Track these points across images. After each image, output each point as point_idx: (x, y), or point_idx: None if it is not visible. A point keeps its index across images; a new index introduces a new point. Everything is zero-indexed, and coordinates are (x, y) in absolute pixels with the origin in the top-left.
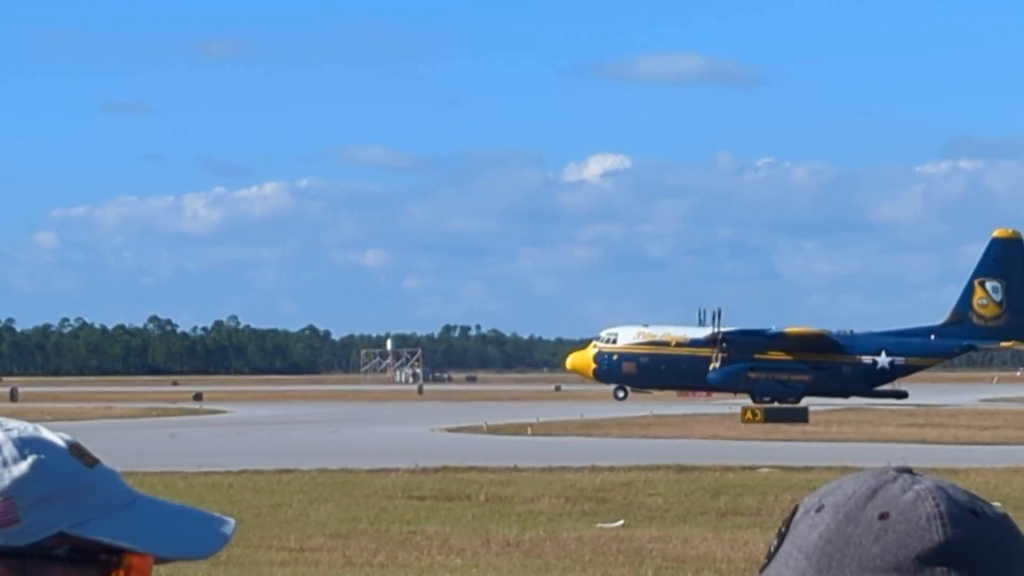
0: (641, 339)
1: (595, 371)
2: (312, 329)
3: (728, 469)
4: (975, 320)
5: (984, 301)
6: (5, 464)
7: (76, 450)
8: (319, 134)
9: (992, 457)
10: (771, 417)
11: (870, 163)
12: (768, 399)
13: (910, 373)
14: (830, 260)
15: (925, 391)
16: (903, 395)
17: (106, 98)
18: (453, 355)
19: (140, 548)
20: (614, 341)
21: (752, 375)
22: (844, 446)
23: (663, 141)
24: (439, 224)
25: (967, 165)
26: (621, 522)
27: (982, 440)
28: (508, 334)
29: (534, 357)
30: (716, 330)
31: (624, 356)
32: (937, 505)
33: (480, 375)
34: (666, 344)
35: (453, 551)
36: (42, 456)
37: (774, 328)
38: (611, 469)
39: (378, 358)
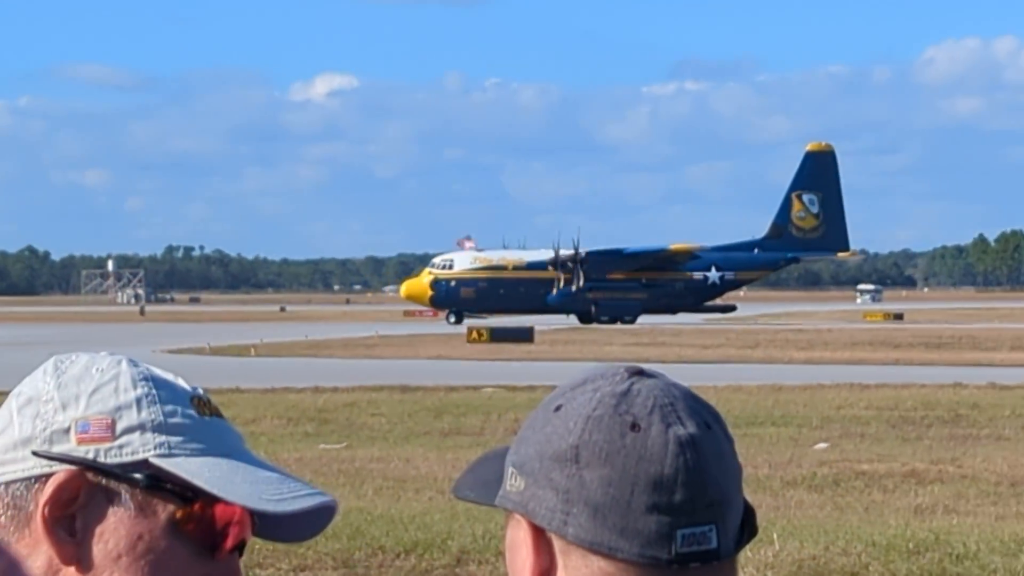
0: (478, 264)
1: (432, 298)
2: (31, 250)
3: (452, 389)
4: (794, 233)
5: (802, 214)
6: (117, 390)
7: (196, 400)
8: (39, 52)
9: (714, 376)
10: (497, 337)
11: (597, 84)
12: (606, 319)
13: (739, 287)
14: (558, 180)
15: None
16: (732, 309)
17: None
18: (176, 276)
19: (212, 490)
20: (450, 267)
21: (590, 295)
22: (568, 365)
23: (391, 61)
24: (162, 143)
25: (692, 87)
26: (343, 443)
27: (704, 359)
28: (233, 255)
29: (259, 278)
30: (575, 252)
31: (462, 282)
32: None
33: (204, 296)
34: (503, 268)
35: None
36: (157, 391)
37: (629, 248)
38: (334, 390)
39: (99, 279)
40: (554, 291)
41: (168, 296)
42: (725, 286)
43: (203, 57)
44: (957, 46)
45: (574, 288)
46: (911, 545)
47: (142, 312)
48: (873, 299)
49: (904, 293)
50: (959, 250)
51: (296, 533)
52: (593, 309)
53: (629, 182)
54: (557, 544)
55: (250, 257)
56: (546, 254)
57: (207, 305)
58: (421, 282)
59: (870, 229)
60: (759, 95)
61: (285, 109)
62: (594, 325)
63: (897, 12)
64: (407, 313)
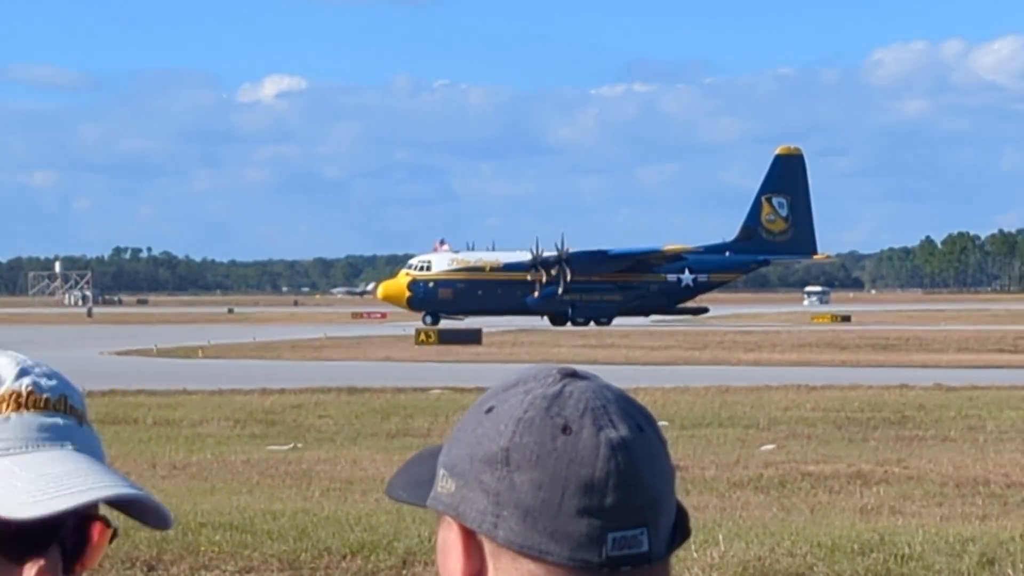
0: (456, 265)
1: (409, 299)
2: None
3: (400, 390)
4: (764, 235)
5: (772, 216)
6: None
7: (13, 394)
8: None
9: (661, 377)
10: (445, 339)
11: (546, 86)
12: (582, 320)
13: (711, 289)
14: (507, 182)
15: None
16: (704, 311)
17: None
18: (124, 277)
19: None
20: (428, 268)
21: (567, 297)
22: (516, 367)
23: (340, 62)
24: (110, 145)
25: (642, 88)
26: (291, 445)
27: (652, 360)
28: (180, 256)
29: (207, 280)
30: (559, 253)
31: (440, 283)
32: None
33: (151, 298)
34: (481, 269)
35: None
36: None
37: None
38: (282, 392)
39: (47, 281)
40: (535, 293)
41: (116, 298)
42: (698, 288)
43: (152, 58)
44: (905, 49)
45: (560, 290)
46: (856, 546)
47: (89, 314)
48: (821, 301)
49: (852, 295)
50: (906, 252)
51: (149, 520)
52: (570, 311)
53: (578, 184)
54: (488, 547)
55: (198, 259)
56: (523, 256)
57: (155, 307)
58: (399, 283)
59: (818, 231)
60: (708, 97)
61: (234, 110)
62: (548, 325)
63: (845, 15)
64: (355, 315)
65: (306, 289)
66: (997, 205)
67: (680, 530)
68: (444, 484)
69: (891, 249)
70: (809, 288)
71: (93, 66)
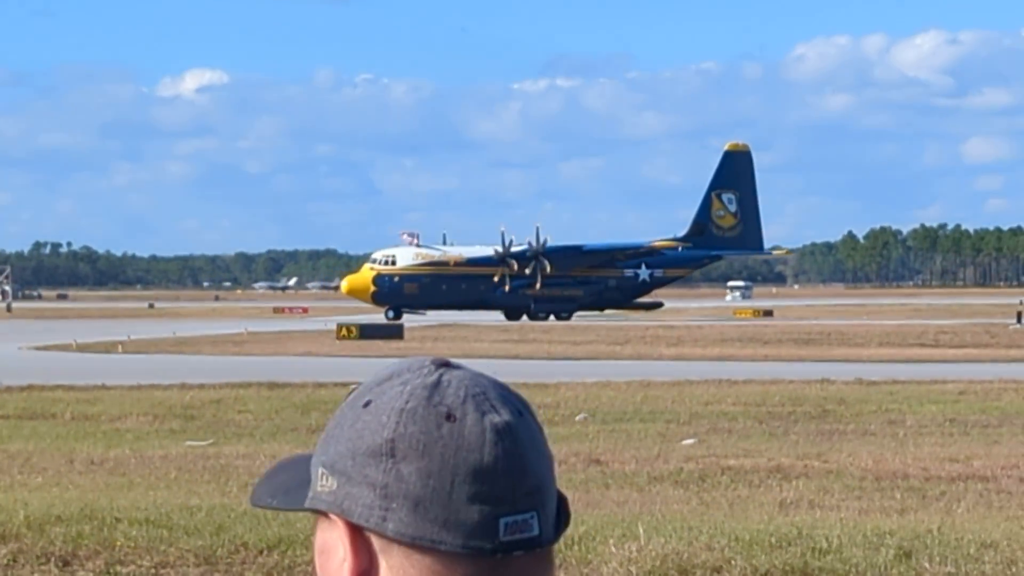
0: (420, 259)
1: (374, 294)
2: None
3: (320, 386)
4: (715, 231)
5: (721, 212)
6: None
7: None
8: None
9: (583, 372)
10: (366, 334)
11: (469, 80)
12: (543, 316)
13: (666, 284)
14: (429, 177)
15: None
16: (659, 305)
17: None
18: (44, 272)
19: None
20: (392, 263)
21: (528, 292)
22: None
23: (262, 56)
24: (30, 139)
25: (564, 83)
26: (210, 441)
27: (574, 355)
28: (101, 251)
29: (128, 274)
30: (537, 247)
31: (406, 277)
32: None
33: (72, 293)
34: (445, 264)
35: (35, 470)
36: None
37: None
38: (201, 387)
39: None
40: (506, 288)
41: (35, 293)
42: (654, 283)
43: (72, 52)
44: (827, 43)
45: (538, 285)
46: (774, 540)
47: (9, 309)
48: (743, 296)
49: (774, 290)
50: (829, 247)
51: None
52: (532, 305)
53: (501, 179)
54: (376, 543)
55: (119, 254)
56: (485, 250)
57: (75, 302)
58: (363, 278)
59: None
60: (631, 92)
61: (154, 104)
62: (476, 320)
63: (768, 10)
64: (277, 310)
65: (227, 284)
66: (919, 200)
67: (563, 515)
68: (324, 483)
69: (813, 244)
70: (732, 283)
71: (12, 60)
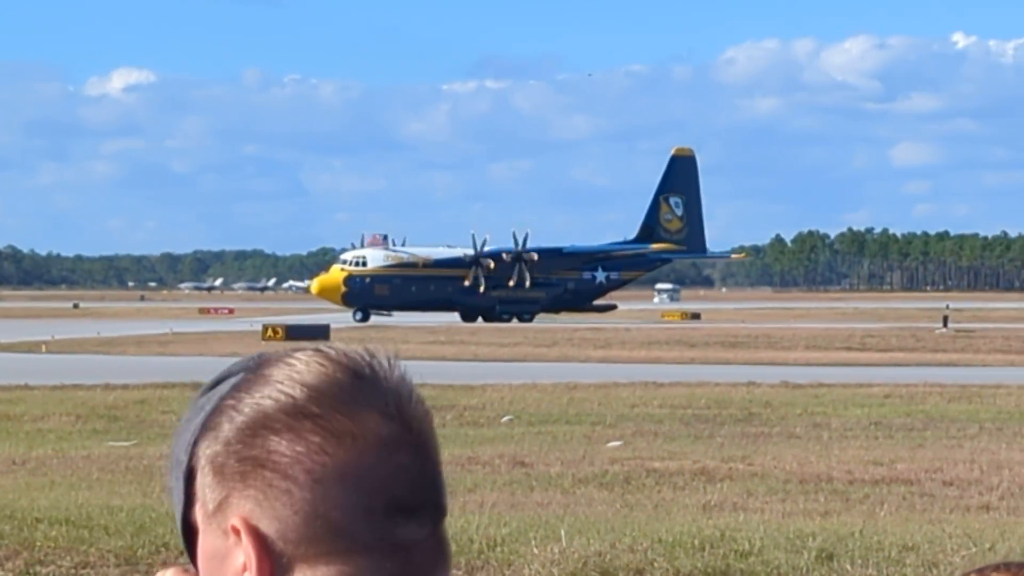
0: (390, 261)
1: (345, 295)
2: None
3: None
4: (662, 234)
5: (669, 216)
6: None
7: None
8: None
9: (509, 374)
10: (292, 335)
11: (398, 81)
12: (507, 317)
13: (621, 287)
14: (357, 177)
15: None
16: (613, 307)
17: None
18: None
19: None
20: (363, 264)
21: (494, 294)
22: None
23: (189, 56)
24: None
25: (493, 85)
26: (133, 441)
27: (500, 357)
28: (25, 250)
29: (52, 274)
30: (519, 248)
31: (377, 278)
32: None
33: None
34: (414, 265)
35: None
36: None
37: (567, 246)
38: (125, 387)
39: None
40: (480, 289)
41: None
42: (611, 285)
43: None
44: (757, 47)
45: (528, 285)
46: (697, 542)
47: None
48: (671, 298)
49: (702, 293)
50: (756, 250)
51: None
52: (497, 307)
53: (430, 180)
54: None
55: (43, 253)
56: (448, 252)
57: None
58: (334, 279)
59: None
60: (560, 94)
61: (81, 104)
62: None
63: (697, 13)
64: (202, 310)
65: (153, 284)
66: (847, 204)
67: None
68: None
69: (741, 247)
70: (659, 285)
71: None
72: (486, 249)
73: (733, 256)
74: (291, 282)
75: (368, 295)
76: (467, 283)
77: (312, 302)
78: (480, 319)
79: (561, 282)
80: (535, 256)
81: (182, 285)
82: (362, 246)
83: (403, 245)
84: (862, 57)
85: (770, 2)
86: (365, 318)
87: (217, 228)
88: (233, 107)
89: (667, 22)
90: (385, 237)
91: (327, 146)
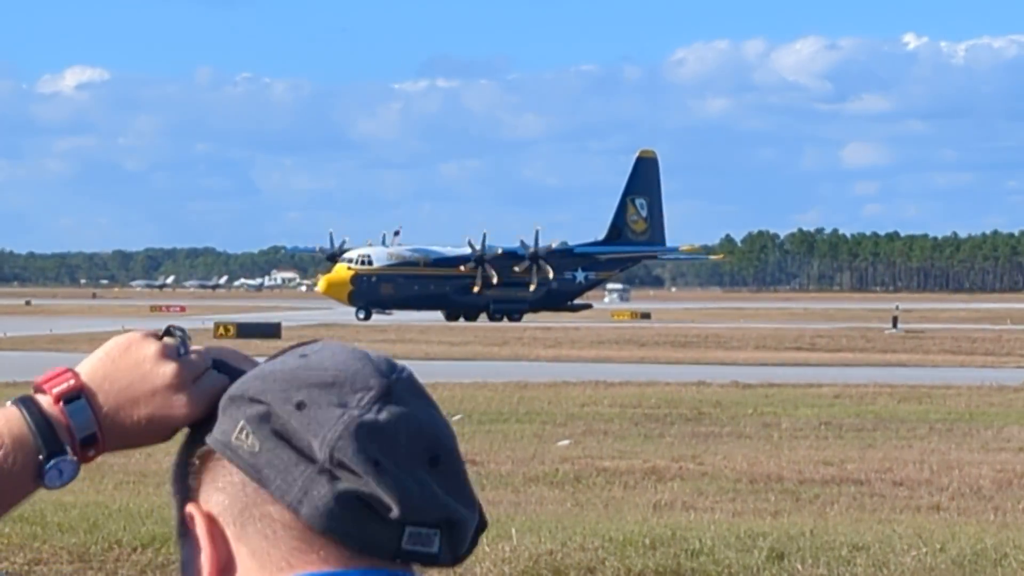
0: (394, 260)
1: (351, 293)
2: None
3: None
4: (629, 235)
5: (635, 217)
6: None
7: None
8: None
9: (460, 372)
10: (244, 332)
11: (349, 80)
12: (499, 316)
13: (598, 286)
14: (309, 176)
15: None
16: (588, 307)
17: None
18: None
19: None
20: (369, 262)
21: (488, 293)
22: None
23: (142, 54)
24: None
25: (444, 84)
26: None
27: (451, 356)
28: None
29: (4, 271)
30: (534, 248)
31: (383, 277)
32: None
33: None
34: (416, 264)
35: None
36: None
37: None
38: None
39: None
40: (476, 288)
41: None
42: (589, 285)
43: None
44: (707, 48)
45: (549, 282)
46: (647, 540)
47: None
48: (621, 298)
49: (652, 292)
50: (706, 250)
51: None
52: (491, 306)
53: (381, 179)
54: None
55: None
56: (460, 250)
57: None
58: (341, 277)
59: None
60: (511, 93)
61: (33, 101)
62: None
63: (648, 13)
64: (154, 308)
65: (105, 282)
66: (796, 205)
67: (469, 544)
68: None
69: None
70: (610, 285)
71: None
72: (489, 248)
73: (711, 257)
74: (242, 280)
75: (374, 293)
76: (473, 281)
77: (312, 300)
78: (480, 318)
79: (545, 282)
80: (547, 257)
81: (134, 283)
82: (384, 245)
83: (386, 244)
84: (813, 58)
85: (721, 3)
86: (367, 316)
87: (169, 226)
88: (185, 105)
89: (618, 23)
90: (397, 232)
91: (279, 145)
